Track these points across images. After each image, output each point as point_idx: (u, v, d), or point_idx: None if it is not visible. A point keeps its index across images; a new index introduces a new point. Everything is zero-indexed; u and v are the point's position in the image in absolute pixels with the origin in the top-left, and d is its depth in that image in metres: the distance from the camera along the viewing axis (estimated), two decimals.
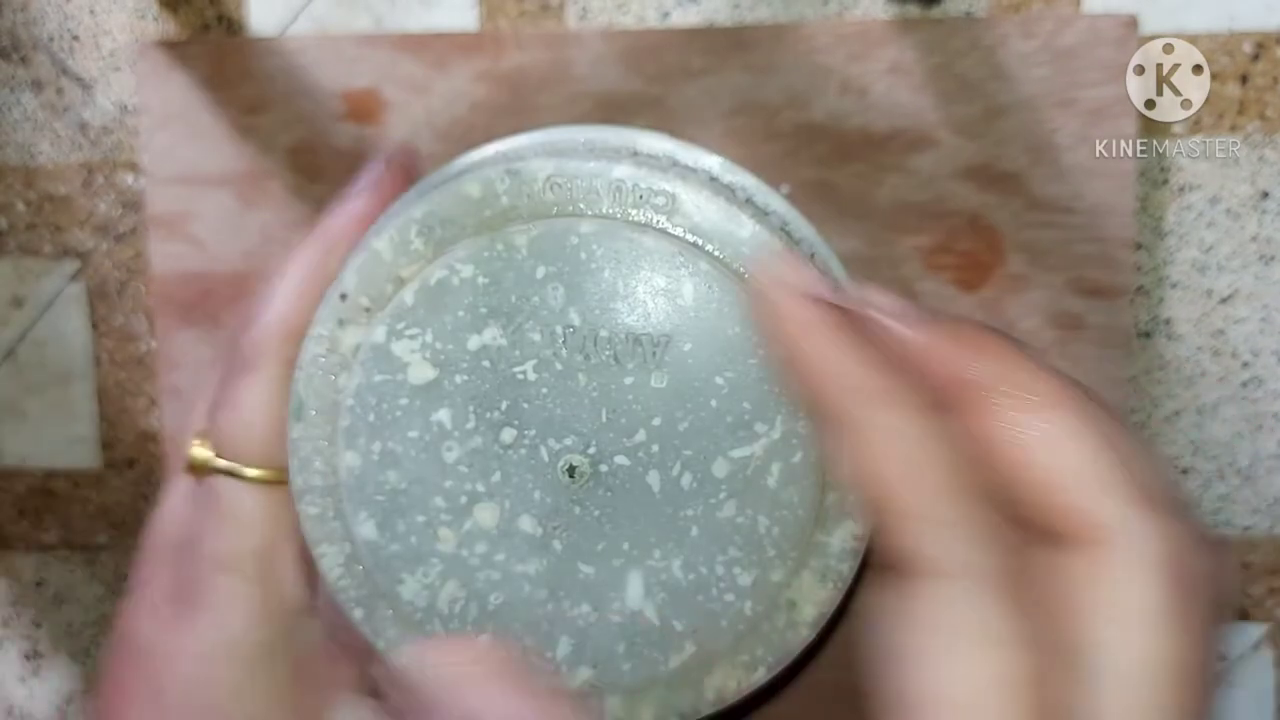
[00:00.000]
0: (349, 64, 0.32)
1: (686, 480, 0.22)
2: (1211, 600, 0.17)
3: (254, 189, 0.32)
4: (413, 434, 0.22)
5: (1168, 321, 0.32)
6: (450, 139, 0.31)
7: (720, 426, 0.21)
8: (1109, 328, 0.31)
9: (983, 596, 0.17)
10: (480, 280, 0.22)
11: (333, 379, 0.22)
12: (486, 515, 0.22)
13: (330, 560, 0.23)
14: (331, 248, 0.25)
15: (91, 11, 0.33)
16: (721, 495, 0.21)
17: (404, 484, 0.22)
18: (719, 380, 0.21)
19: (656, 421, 0.22)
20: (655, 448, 0.22)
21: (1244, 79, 0.31)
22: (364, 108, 0.32)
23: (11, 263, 0.34)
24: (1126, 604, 0.17)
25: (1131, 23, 0.30)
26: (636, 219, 0.21)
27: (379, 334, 0.22)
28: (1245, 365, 0.32)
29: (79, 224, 0.34)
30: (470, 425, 0.22)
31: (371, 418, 0.22)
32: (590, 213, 0.22)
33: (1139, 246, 0.31)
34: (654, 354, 0.21)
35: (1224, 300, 0.32)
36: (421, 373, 0.22)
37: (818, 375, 0.19)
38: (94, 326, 0.34)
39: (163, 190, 0.33)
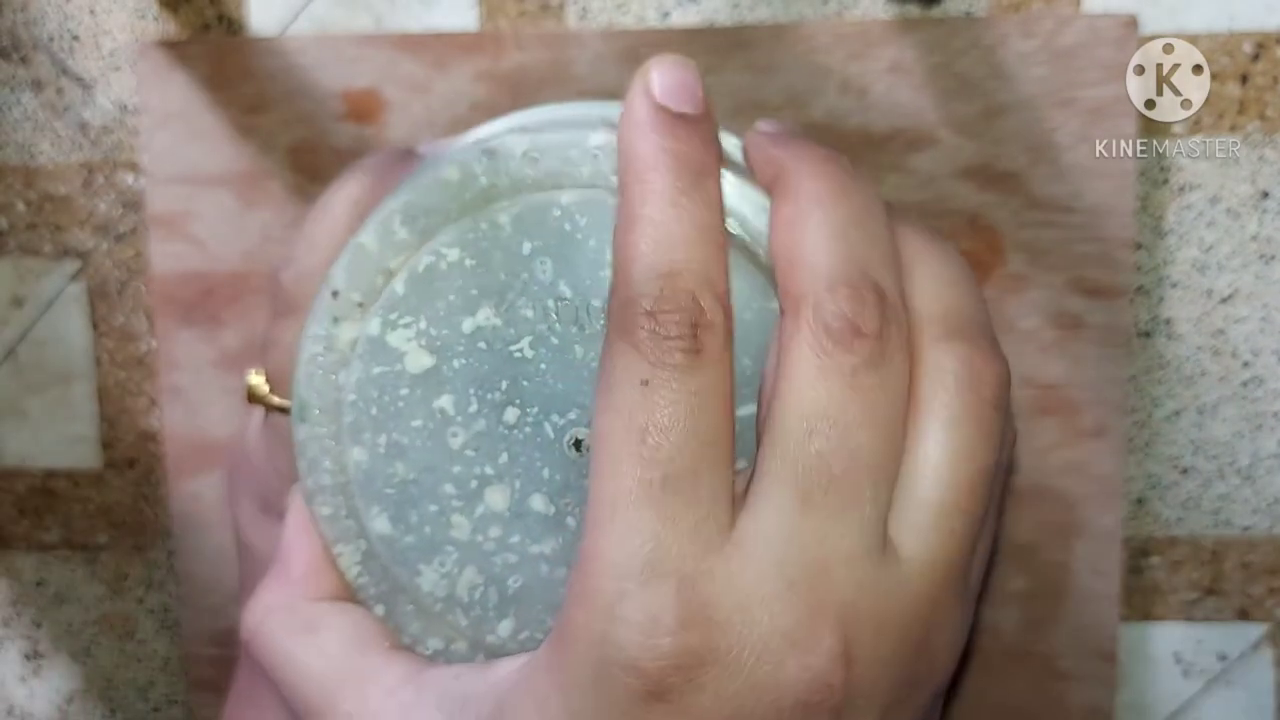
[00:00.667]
0: (349, 64, 0.32)
1: None
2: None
3: (254, 189, 0.32)
4: (416, 423, 0.22)
5: (1168, 321, 0.32)
6: (451, 139, 0.31)
7: None
8: (1109, 327, 0.31)
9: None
10: (468, 262, 0.22)
11: (333, 377, 0.22)
12: (497, 498, 0.22)
13: (347, 559, 0.23)
14: (375, 183, 0.24)
15: (91, 11, 0.33)
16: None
17: (413, 474, 0.22)
18: None
19: None
20: None
21: (1244, 79, 0.31)
22: (364, 107, 0.32)
23: (11, 263, 0.34)
24: (789, 364, 0.19)
25: (1131, 23, 0.30)
26: (615, 184, 0.21)
27: (374, 326, 0.22)
28: (1245, 365, 0.32)
29: (79, 224, 0.34)
30: (473, 409, 0.22)
31: (374, 411, 0.22)
32: (570, 184, 0.22)
33: (1139, 246, 0.31)
34: None
35: (1224, 300, 0.32)
36: (419, 361, 0.22)
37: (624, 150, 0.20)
38: (94, 326, 0.34)
39: (163, 190, 0.33)
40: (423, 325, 0.22)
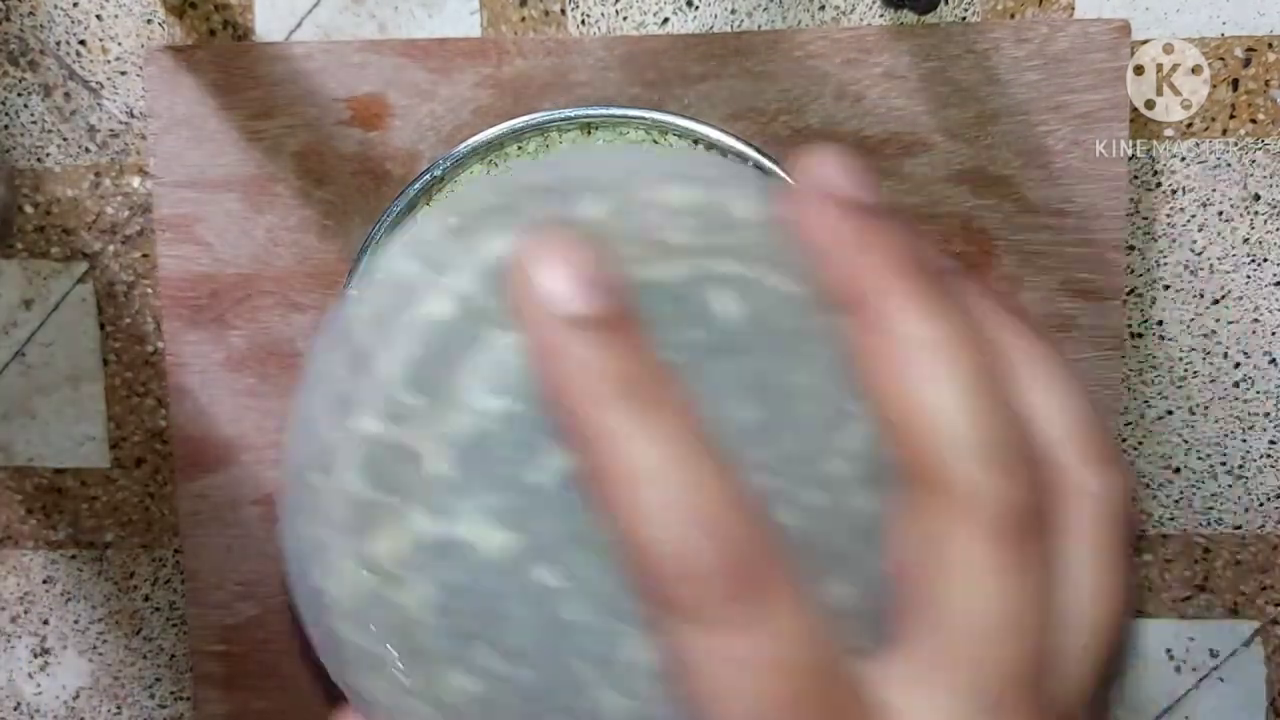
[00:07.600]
0: (354, 70, 0.32)
1: None
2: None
3: (261, 193, 0.33)
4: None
5: (1159, 323, 0.32)
6: (453, 144, 0.32)
7: None
8: (1101, 329, 0.31)
9: None
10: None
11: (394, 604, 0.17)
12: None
13: None
14: None
15: (98, 17, 0.34)
16: None
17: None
18: None
19: None
20: None
21: (1235, 84, 0.31)
22: (369, 113, 0.32)
23: (20, 264, 0.35)
24: (947, 558, 0.16)
25: (1124, 28, 0.30)
26: None
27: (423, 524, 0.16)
28: (1236, 366, 0.32)
29: (87, 227, 0.34)
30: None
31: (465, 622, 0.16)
32: None
33: (1131, 249, 0.32)
34: None
35: (1215, 302, 0.32)
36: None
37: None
38: (102, 328, 0.35)
39: (171, 193, 0.33)
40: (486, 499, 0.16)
